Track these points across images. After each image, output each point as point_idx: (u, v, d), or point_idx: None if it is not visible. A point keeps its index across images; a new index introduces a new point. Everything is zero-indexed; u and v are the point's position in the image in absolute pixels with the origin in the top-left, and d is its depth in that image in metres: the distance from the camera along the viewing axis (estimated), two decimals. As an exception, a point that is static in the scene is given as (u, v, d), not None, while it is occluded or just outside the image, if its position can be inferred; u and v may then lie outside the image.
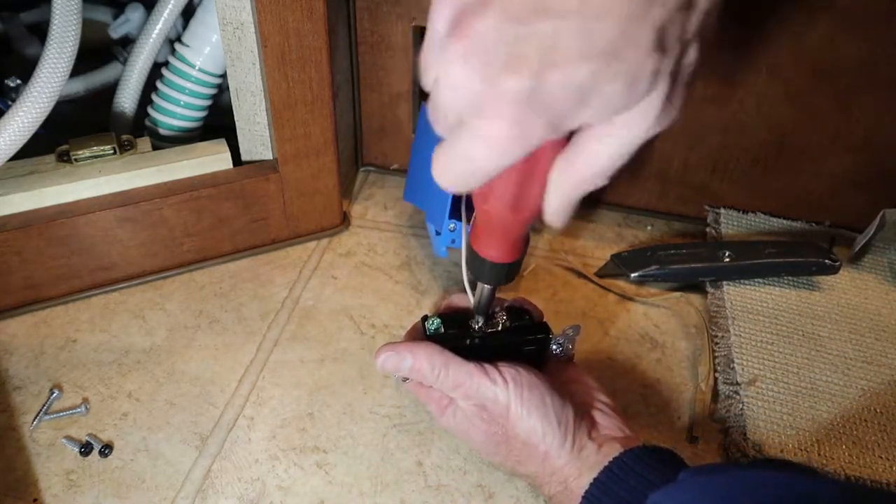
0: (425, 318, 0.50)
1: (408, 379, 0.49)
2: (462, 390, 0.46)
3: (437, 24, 0.29)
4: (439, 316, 0.50)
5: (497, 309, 0.51)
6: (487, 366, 0.46)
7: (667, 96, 0.29)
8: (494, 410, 0.45)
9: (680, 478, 0.41)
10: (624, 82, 0.27)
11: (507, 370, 0.46)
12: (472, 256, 0.43)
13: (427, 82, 0.31)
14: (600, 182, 0.32)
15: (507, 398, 0.45)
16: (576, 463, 0.44)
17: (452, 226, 0.61)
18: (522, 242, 0.42)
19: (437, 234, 0.64)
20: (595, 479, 0.43)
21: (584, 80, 0.27)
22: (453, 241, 0.62)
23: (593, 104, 0.28)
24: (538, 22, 0.26)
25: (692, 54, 0.28)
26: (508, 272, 0.43)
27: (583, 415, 0.47)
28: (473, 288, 0.49)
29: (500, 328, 0.50)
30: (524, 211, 0.37)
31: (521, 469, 0.47)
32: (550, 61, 0.26)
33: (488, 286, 0.46)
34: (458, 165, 0.31)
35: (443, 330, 0.49)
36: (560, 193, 0.33)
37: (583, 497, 0.43)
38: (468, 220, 0.55)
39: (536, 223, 0.75)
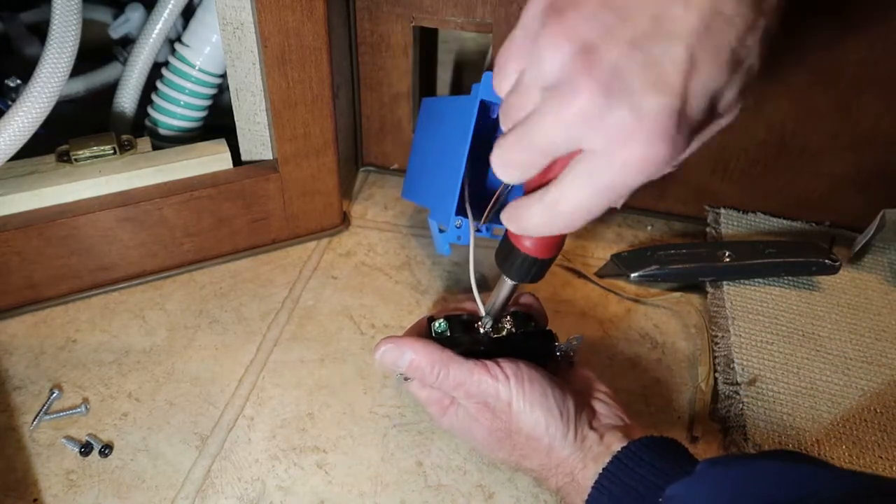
0: (431, 320, 0.50)
1: (409, 379, 0.49)
2: (463, 389, 0.46)
3: (549, 60, 0.30)
4: (445, 318, 0.50)
5: (503, 314, 0.50)
6: (488, 362, 0.46)
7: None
8: (497, 407, 0.45)
9: (698, 469, 0.41)
10: (741, 86, 0.30)
11: (508, 365, 0.46)
12: (505, 246, 0.42)
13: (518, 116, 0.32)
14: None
15: (509, 393, 0.45)
16: (579, 454, 0.45)
17: (459, 222, 0.60)
18: (563, 239, 0.41)
19: (441, 231, 0.63)
20: (604, 470, 0.43)
21: (718, 88, 0.29)
22: (459, 238, 0.62)
23: (718, 107, 0.30)
24: (665, 43, 0.28)
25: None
26: (538, 270, 0.42)
27: (583, 405, 0.47)
28: (480, 288, 0.49)
29: (505, 334, 0.49)
30: None
31: (525, 464, 0.47)
32: (689, 80, 0.28)
33: (510, 282, 0.45)
34: (594, 199, 0.32)
35: (448, 333, 0.49)
36: None
37: (592, 488, 0.43)
38: (475, 217, 0.55)
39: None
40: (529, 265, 0.41)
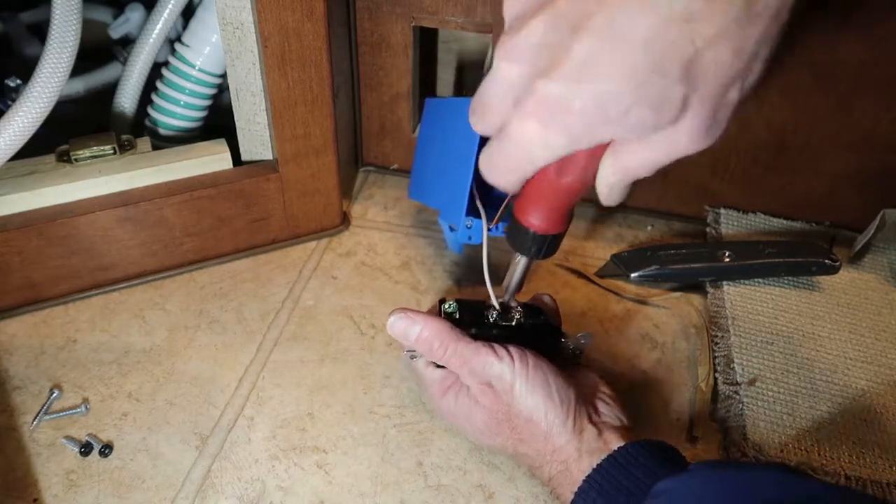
0: (442, 301, 0.50)
1: (416, 357, 0.49)
2: (469, 367, 0.46)
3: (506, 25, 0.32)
4: (456, 301, 0.50)
5: (514, 304, 0.51)
6: (495, 344, 0.47)
7: (704, 123, 0.31)
8: (500, 387, 0.46)
9: (691, 467, 0.41)
10: (650, 107, 0.29)
11: (514, 349, 0.47)
12: (514, 226, 0.42)
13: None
14: (643, 176, 0.35)
15: (513, 375, 0.46)
16: (576, 443, 0.45)
17: (469, 223, 0.60)
18: (570, 214, 0.41)
19: (452, 230, 0.63)
20: (598, 466, 0.44)
21: (610, 98, 0.29)
22: (470, 238, 0.61)
23: (620, 123, 0.30)
24: (577, 36, 0.28)
25: (733, 94, 0.31)
26: (549, 245, 0.42)
27: (585, 400, 0.48)
28: (493, 283, 0.50)
29: (514, 323, 0.50)
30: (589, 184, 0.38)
31: (521, 448, 0.47)
32: (582, 74, 0.29)
33: (524, 258, 0.45)
34: (505, 161, 0.34)
35: (458, 315, 0.49)
36: (608, 182, 0.36)
37: (584, 481, 0.44)
38: (487, 217, 0.56)
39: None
40: (540, 240, 0.42)
